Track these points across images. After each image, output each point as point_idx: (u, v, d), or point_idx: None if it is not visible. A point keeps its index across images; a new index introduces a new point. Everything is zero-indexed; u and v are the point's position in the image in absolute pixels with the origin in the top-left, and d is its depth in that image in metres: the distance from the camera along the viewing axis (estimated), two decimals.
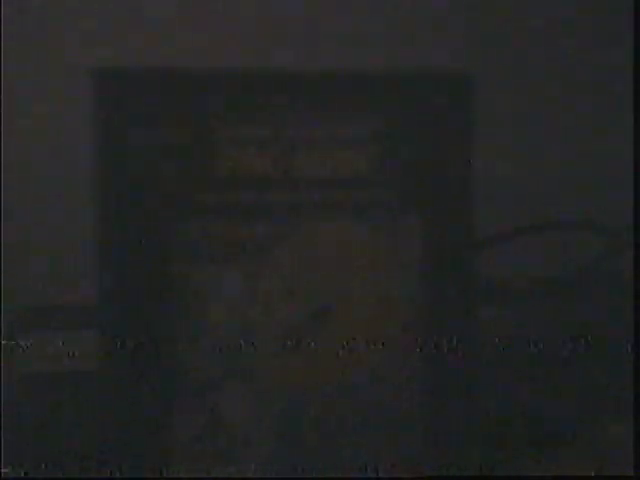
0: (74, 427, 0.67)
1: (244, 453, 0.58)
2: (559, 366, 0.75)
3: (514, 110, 0.98)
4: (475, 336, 0.62)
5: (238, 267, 0.58)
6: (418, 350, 0.61)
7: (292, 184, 0.58)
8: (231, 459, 0.58)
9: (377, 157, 0.60)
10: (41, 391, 0.68)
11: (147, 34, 0.87)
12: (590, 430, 0.71)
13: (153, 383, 0.56)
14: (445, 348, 0.61)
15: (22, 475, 0.64)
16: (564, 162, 1.00)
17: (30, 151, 0.85)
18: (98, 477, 0.57)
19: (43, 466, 0.64)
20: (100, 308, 0.58)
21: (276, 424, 0.59)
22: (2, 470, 0.64)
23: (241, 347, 0.58)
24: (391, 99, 0.60)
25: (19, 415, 0.67)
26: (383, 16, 0.94)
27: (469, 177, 0.61)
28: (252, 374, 0.58)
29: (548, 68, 0.99)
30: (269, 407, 0.59)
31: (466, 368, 0.61)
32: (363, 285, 0.60)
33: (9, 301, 0.85)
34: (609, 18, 1.00)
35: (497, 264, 0.95)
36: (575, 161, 1.01)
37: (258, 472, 0.59)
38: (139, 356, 0.56)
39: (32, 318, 0.73)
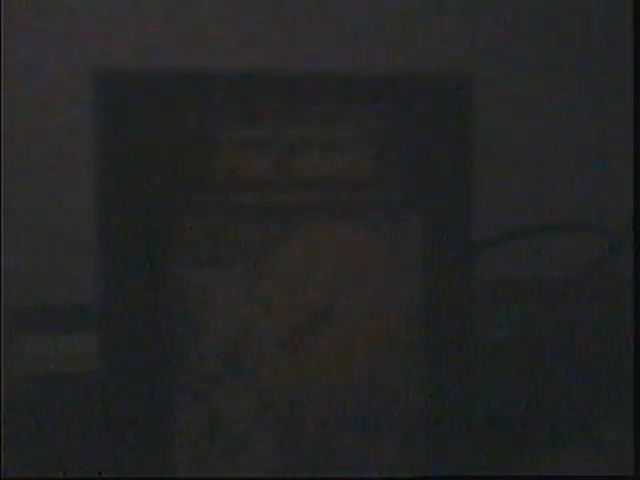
0: (74, 427, 0.67)
1: (244, 453, 0.58)
2: (559, 365, 0.75)
3: (514, 109, 0.98)
4: (475, 336, 0.62)
5: (238, 267, 0.58)
6: (418, 350, 0.61)
7: (292, 185, 0.58)
8: (231, 459, 0.58)
9: (377, 158, 0.60)
10: (41, 392, 0.68)
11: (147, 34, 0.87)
12: (590, 429, 0.71)
13: (153, 383, 0.56)
14: (445, 348, 0.61)
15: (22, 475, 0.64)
16: (564, 162, 1.00)
17: (30, 151, 0.85)
18: (98, 477, 0.57)
19: (43, 466, 0.64)
20: (100, 308, 0.58)
21: (276, 424, 0.59)
22: (2, 470, 0.64)
23: (241, 347, 0.58)
24: (391, 99, 0.60)
25: (19, 416, 0.67)
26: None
27: (469, 177, 0.61)
28: (252, 374, 0.58)
29: (548, 64, 0.99)
30: (269, 407, 0.59)
31: (466, 367, 0.61)
32: (363, 285, 0.60)
33: (9, 301, 0.85)
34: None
35: (497, 264, 0.95)
36: (575, 161, 1.01)
37: (258, 472, 0.59)
38: (139, 356, 0.56)
39: (32, 318, 0.73)
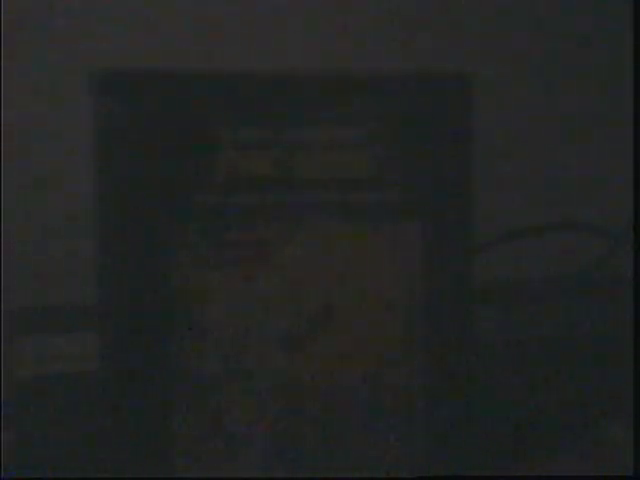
0: (74, 428, 0.67)
1: (244, 453, 0.58)
2: (559, 365, 0.75)
3: (514, 109, 0.98)
4: (475, 337, 0.62)
5: (238, 267, 0.58)
6: (418, 350, 0.61)
7: (292, 185, 0.58)
8: (231, 459, 0.58)
9: (377, 158, 0.60)
10: (41, 392, 0.68)
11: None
12: (590, 429, 0.71)
13: (153, 383, 0.56)
14: (445, 348, 0.61)
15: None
16: (564, 162, 1.00)
17: (30, 152, 0.85)
18: (98, 477, 0.57)
19: (43, 466, 0.64)
20: (100, 308, 0.58)
21: (276, 424, 0.59)
22: (2, 470, 0.64)
23: (241, 347, 0.58)
24: (391, 99, 0.60)
25: (19, 416, 0.67)
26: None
27: (469, 178, 0.61)
28: (252, 374, 0.58)
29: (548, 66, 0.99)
30: (269, 407, 0.59)
31: (466, 367, 0.61)
32: (363, 285, 0.60)
33: (9, 301, 0.85)
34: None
35: (497, 265, 0.95)
36: (575, 161, 1.01)
37: (258, 472, 0.59)
38: (139, 356, 0.56)
39: (32, 318, 0.73)
